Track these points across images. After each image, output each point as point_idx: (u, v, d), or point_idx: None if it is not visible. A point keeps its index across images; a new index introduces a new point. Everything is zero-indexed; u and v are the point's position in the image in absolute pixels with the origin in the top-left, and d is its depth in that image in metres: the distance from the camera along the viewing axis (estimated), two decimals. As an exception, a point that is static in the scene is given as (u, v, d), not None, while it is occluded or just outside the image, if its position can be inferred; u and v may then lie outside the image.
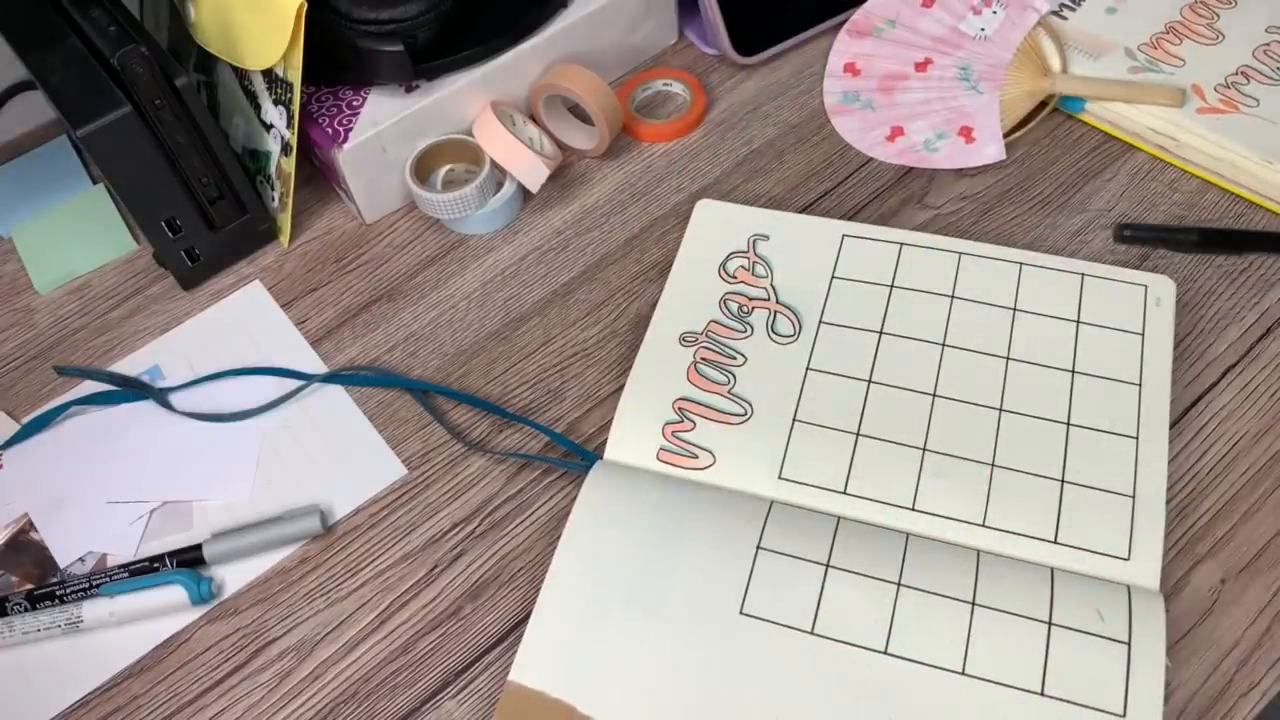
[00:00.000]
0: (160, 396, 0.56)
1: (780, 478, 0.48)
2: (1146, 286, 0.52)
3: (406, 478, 0.52)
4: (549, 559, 0.47)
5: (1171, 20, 0.63)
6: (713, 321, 0.54)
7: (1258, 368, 0.51)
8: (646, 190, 0.62)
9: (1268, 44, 0.61)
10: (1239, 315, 0.53)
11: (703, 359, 0.52)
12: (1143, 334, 0.51)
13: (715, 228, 0.58)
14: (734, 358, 0.52)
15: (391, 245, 0.61)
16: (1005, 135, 0.60)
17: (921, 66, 0.63)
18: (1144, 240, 0.56)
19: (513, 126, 0.61)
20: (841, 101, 0.64)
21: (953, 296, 0.53)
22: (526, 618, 0.46)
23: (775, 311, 0.54)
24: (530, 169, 0.59)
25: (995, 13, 0.64)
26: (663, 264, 0.58)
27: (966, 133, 0.60)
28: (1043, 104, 0.61)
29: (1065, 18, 0.64)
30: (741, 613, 0.44)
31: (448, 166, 0.62)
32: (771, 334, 0.53)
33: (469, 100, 0.60)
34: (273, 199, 0.61)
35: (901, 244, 0.55)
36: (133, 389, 0.56)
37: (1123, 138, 0.60)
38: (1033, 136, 0.61)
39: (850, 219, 0.59)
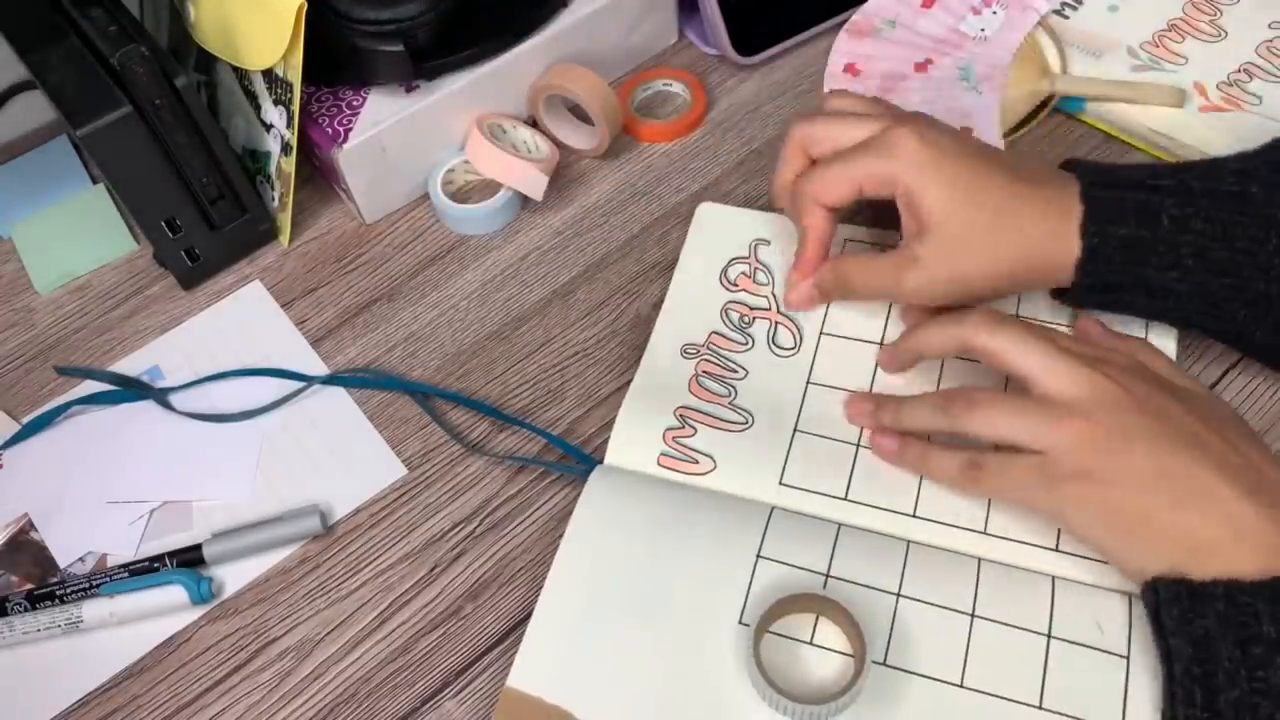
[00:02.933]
0: (160, 396, 0.56)
1: (781, 483, 0.48)
2: None
3: (406, 477, 0.52)
4: (549, 559, 0.47)
5: (1174, 18, 0.63)
6: (714, 333, 0.54)
7: (1258, 368, 0.51)
8: (646, 190, 0.62)
9: (1271, 40, 0.61)
10: (1239, 316, 0.53)
11: (704, 372, 0.52)
12: (1145, 340, 0.50)
13: (717, 232, 0.57)
14: (735, 371, 0.52)
15: (391, 245, 0.61)
16: (1005, 135, 0.60)
17: (922, 67, 0.63)
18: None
19: (503, 135, 0.62)
20: (842, 101, 0.64)
21: None
22: (526, 618, 0.46)
23: (776, 323, 0.54)
24: (530, 181, 0.59)
25: (995, 13, 0.63)
26: (663, 264, 0.58)
27: (966, 133, 0.60)
28: (1043, 104, 0.61)
29: (1067, 16, 0.63)
30: (741, 622, 0.44)
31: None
32: (773, 346, 0.53)
33: (469, 100, 0.60)
34: (273, 199, 0.61)
35: None
36: (133, 389, 0.56)
37: (1123, 138, 0.60)
38: (1033, 136, 0.61)
39: (850, 219, 0.59)
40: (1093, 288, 0.46)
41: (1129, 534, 0.41)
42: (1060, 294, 0.49)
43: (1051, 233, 0.45)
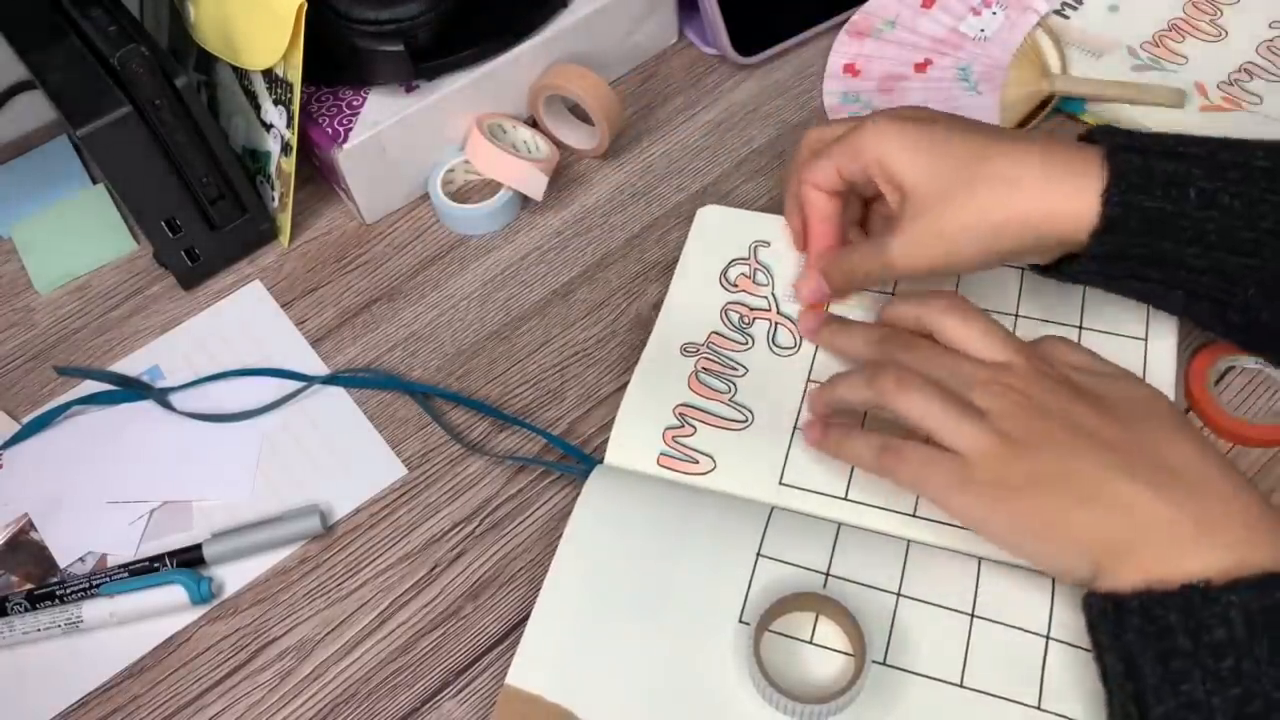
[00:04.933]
0: (160, 396, 0.56)
1: (781, 483, 0.48)
2: None
3: (406, 477, 0.52)
4: (549, 559, 0.47)
5: (1174, 18, 0.63)
6: (714, 333, 0.54)
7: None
8: (646, 190, 0.62)
9: (1271, 40, 0.61)
10: (1239, 315, 0.53)
11: (704, 368, 0.52)
12: (1145, 339, 0.50)
13: (717, 234, 0.57)
14: (735, 368, 0.52)
15: (391, 245, 0.61)
16: (1006, 135, 0.60)
17: (921, 67, 0.63)
18: None
19: (503, 135, 0.62)
20: (841, 102, 0.64)
21: None
22: (526, 618, 0.46)
23: (776, 323, 0.54)
24: (531, 181, 0.59)
25: (995, 14, 0.63)
26: (663, 264, 0.58)
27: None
28: (1043, 104, 0.61)
29: (1067, 16, 0.63)
30: (741, 621, 0.44)
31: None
32: (772, 346, 0.53)
33: (469, 100, 0.60)
34: (273, 199, 0.61)
35: None
36: (133, 389, 0.56)
37: (1123, 137, 0.60)
38: (1033, 136, 0.61)
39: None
40: (1105, 257, 0.44)
41: (1042, 539, 0.40)
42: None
43: (1065, 194, 0.43)
